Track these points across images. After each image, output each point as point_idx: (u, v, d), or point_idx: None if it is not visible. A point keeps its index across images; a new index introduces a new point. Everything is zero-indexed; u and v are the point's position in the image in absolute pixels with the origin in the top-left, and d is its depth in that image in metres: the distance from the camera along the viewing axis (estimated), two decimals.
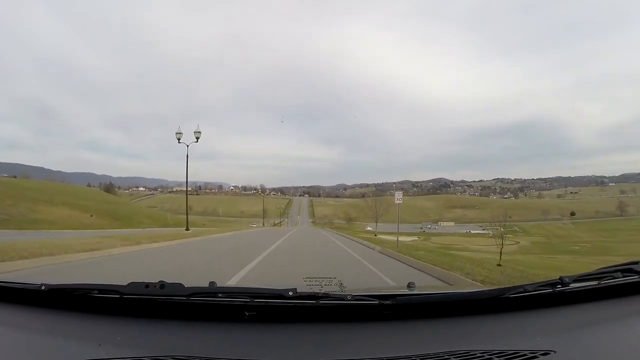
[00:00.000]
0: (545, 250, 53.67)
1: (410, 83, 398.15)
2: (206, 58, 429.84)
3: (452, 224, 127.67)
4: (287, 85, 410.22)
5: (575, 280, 1.20)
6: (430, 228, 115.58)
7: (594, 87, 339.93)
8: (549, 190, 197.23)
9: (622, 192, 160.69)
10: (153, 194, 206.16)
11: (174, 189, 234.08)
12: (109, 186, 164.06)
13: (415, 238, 70.26)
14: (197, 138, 20.51)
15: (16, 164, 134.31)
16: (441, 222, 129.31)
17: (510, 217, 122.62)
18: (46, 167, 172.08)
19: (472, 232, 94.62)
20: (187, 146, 20.49)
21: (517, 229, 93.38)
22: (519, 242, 65.18)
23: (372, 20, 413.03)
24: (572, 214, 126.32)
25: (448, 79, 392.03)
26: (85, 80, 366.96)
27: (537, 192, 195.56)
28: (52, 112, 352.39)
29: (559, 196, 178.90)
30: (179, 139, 20.29)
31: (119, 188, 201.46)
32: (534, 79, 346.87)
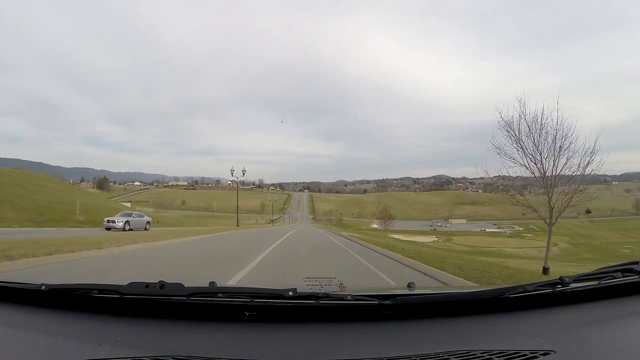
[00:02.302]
0: (596, 254, 47.01)
1: (411, 80, 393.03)
2: (208, 53, 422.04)
3: (464, 221, 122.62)
4: (288, 81, 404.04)
5: (575, 280, 1.20)
6: (440, 226, 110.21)
7: (595, 85, 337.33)
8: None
9: (628, 190, 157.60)
10: (148, 189, 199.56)
11: (169, 183, 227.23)
12: (102, 180, 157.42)
13: (435, 238, 64.32)
14: None
15: (16, 159, 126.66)
16: (452, 220, 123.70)
17: (524, 214, 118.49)
18: (45, 162, 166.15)
19: (487, 230, 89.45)
20: None
21: (535, 228, 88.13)
22: (557, 244, 59.03)
23: (374, 18, 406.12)
24: (588, 211, 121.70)
25: (449, 75, 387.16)
26: (86, 74, 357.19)
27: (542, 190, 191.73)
28: (52, 108, 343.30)
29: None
30: None
31: (114, 183, 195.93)
32: (535, 76, 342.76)
